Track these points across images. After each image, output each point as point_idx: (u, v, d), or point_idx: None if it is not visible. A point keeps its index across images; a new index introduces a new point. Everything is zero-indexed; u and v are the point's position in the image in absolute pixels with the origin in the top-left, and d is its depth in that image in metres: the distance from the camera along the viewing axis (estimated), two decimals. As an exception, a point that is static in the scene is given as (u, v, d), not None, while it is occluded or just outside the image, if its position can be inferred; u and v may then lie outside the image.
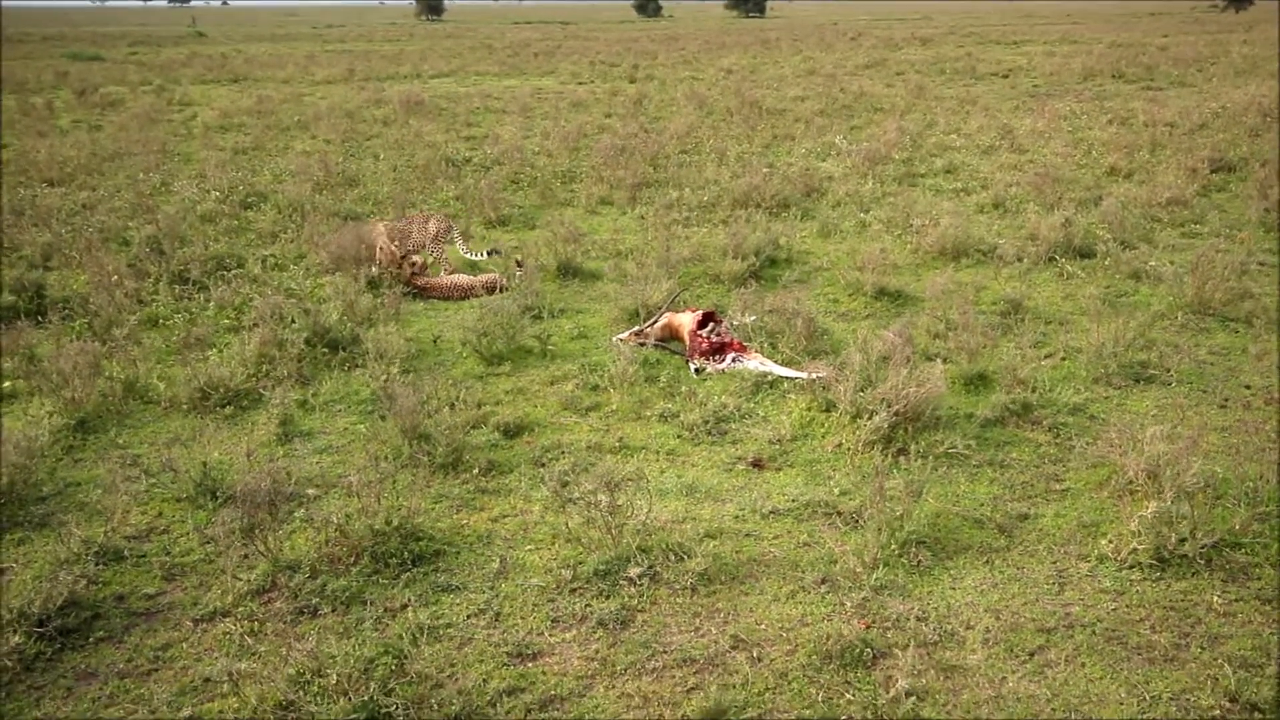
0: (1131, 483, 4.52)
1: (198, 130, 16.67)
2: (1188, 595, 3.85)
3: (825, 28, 52.19)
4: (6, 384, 5.95)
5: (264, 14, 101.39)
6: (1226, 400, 5.59)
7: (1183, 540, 4.02)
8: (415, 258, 7.94)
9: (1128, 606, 3.80)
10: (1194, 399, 5.61)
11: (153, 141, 14.81)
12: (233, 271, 7.99)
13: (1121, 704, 3.29)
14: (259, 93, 21.87)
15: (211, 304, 7.28)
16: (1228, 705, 3.26)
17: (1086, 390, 5.72)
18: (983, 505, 4.53)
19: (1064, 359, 6.18)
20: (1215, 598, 3.82)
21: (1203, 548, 4.01)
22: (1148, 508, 4.13)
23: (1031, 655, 3.54)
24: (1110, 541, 4.15)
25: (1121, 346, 6.02)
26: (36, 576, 3.99)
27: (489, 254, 8.56)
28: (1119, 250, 8.19)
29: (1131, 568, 4.01)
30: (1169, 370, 5.94)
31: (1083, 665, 3.48)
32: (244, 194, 10.93)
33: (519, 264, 8.05)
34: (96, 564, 4.11)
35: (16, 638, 3.58)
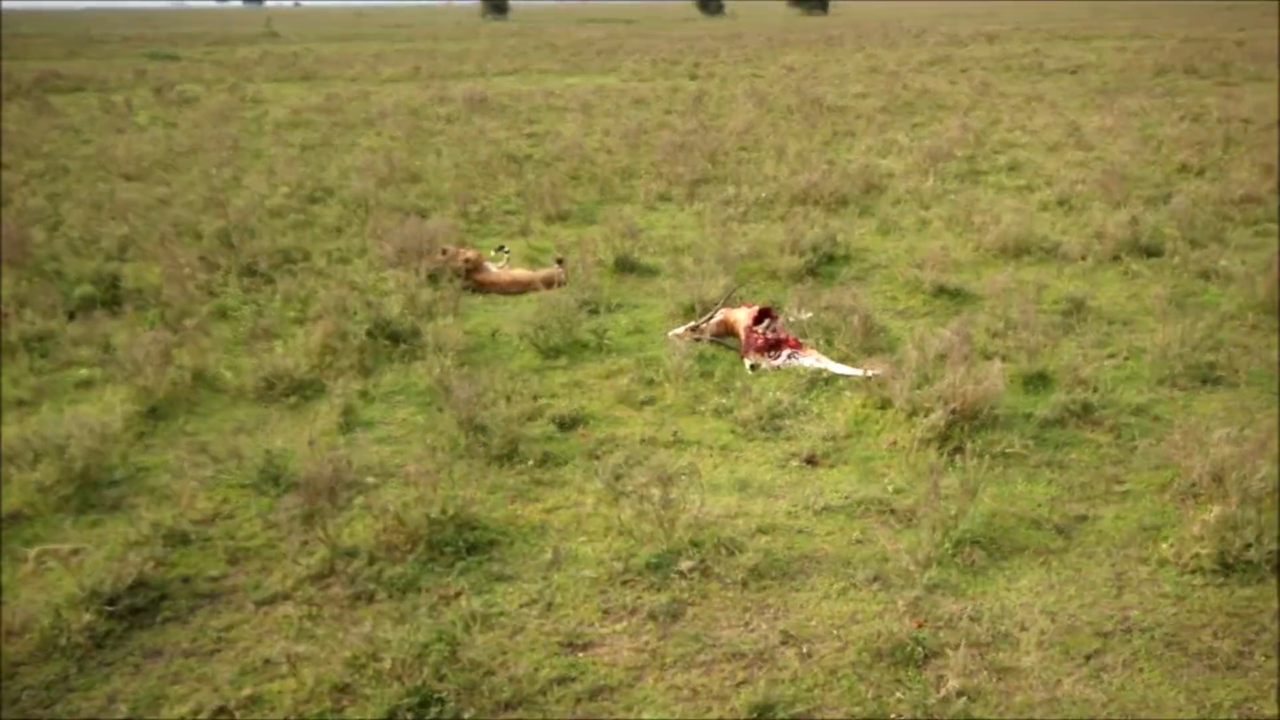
0: (1195, 486, 4.42)
1: (269, 127, 17.03)
2: (1252, 602, 3.76)
3: (889, 24, 51.54)
4: (84, 371, 6.17)
5: (334, 14, 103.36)
6: (1298, 404, 5.43)
7: (1248, 546, 3.91)
8: (469, 253, 8.02)
9: (1189, 612, 3.72)
10: (1263, 401, 5.46)
11: (225, 138, 15.17)
12: (299, 265, 8.17)
13: (1180, 710, 3.22)
14: (328, 90, 22.27)
15: (278, 296, 7.45)
16: (1291, 715, 3.18)
17: (1150, 391, 5.60)
18: (1040, 506, 4.47)
19: (1127, 359, 6.05)
20: (1281, 605, 3.73)
21: (1269, 554, 3.90)
22: (1211, 512, 4.03)
23: (1088, 659, 3.48)
24: (1172, 545, 4.07)
25: (1188, 347, 5.87)
26: (108, 557, 4.13)
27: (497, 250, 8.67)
28: (1188, 249, 7.98)
29: (1193, 572, 3.92)
30: (1237, 371, 5.79)
31: (1141, 670, 3.42)
32: (311, 189, 11.16)
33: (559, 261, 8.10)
34: (164, 546, 4.24)
35: (89, 616, 3.71)
